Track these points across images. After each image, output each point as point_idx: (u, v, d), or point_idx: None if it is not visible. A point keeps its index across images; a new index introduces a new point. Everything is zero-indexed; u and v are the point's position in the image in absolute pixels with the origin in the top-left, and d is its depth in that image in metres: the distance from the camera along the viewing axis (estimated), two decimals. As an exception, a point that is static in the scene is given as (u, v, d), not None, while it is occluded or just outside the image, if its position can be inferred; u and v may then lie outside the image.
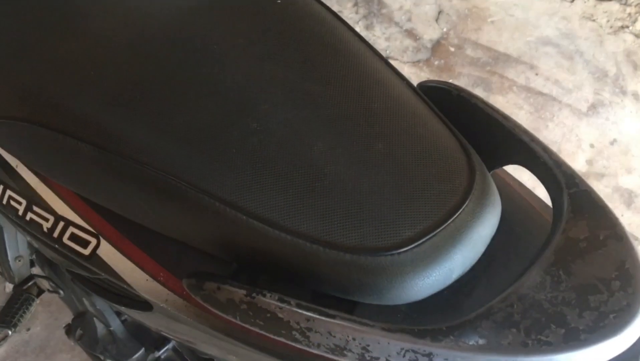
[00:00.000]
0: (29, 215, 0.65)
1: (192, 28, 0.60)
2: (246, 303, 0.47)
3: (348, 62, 0.58)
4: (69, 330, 0.93)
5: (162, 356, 0.88)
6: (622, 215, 1.54)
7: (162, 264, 0.57)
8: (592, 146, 1.62)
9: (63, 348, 1.04)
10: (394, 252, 0.46)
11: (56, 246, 0.64)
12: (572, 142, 1.62)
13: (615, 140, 1.64)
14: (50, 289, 0.92)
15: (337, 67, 0.57)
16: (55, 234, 0.64)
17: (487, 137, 0.56)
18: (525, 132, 0.53)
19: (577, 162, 1.59)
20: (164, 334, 0.72)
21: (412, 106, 0.55)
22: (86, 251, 0.62)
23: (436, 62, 1.73)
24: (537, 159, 0.51)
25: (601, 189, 1.56)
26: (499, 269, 0.51)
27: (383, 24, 1.79)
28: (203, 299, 0.50)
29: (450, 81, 1.71)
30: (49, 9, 0.62)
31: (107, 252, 0.60)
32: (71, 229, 0.62)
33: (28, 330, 1.27)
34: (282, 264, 0.50)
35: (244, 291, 0.47)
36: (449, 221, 0.47)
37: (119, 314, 0.87)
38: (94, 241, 0.61)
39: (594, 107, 1.68)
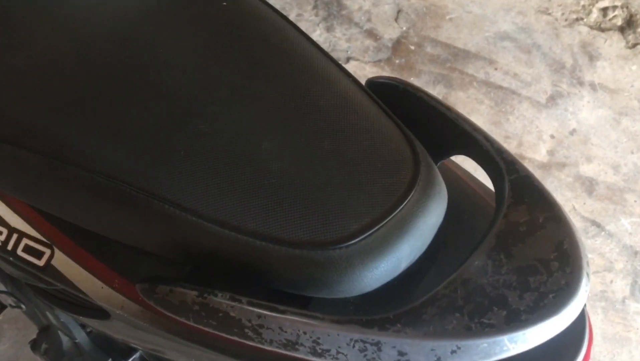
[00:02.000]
0: (-18, 229, 0.64)
1: (138, 33, 0.60)
2: (198, 303, 0.47)
3: (294, 61, 0.59)
4: (35, 345, 0.91)
5: (129, 366, 0.87)
6: (584, 203, 1.57)
7: (116, 270, 0.57)
8: (552, 136, 1.65)
9: (33, 364, 1.03)
10: (342, 245, 0.47)
11: (11, 258, 0.63)
12: (533, 134, 1.65)
13: (574, 130, 1.67)
14: (13, 304, 0.90)
15: (283, 66, 0.58)
16: (10, 247, 0.63)
17: (432, 129, 0.57)
18: (468, 122, 0.54)
19: (539, 153, 1.62)
20: (127, 342, 0.72)
21: (358, 101, 0.56)
22: (41, 262, 0.62)
23: (397, 61, 1.75)
24: (480, 148, 0.52)
25: (562, 178, 1.59)
26: (447, 256, 0.52)
27: (343, 25, 1.81)
28: (156, 303, 0.51)
29: (412, 79, 1.73)
30: None
31: (62, 262, 0.60)
32: (25, 241, 0.62)
33: (-5, 348, 1.25)
34: (234, 264, 0.50)
35: (195, 292, 0.47)
36: (395, 212, 0.48)
37: (83, 326, 0.87)
38: (47, 252, 0.61)
39: (552, 99, 1.71)
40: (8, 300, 0.93)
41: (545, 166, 1.60)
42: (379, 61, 1.75)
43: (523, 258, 0.44)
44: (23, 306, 0.89)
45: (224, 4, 0.63)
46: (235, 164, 0.51)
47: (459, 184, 0.59)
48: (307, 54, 0.59)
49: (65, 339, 0.88)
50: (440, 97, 1.70)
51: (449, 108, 0.55)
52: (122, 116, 0.55)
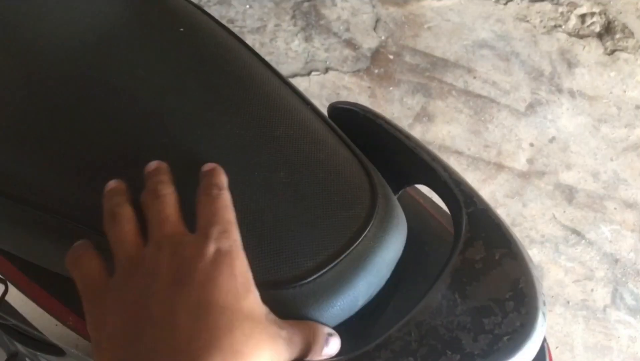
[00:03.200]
0: None
1: (90, 61, 0.59)
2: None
3: (251, 89, 0.57)
4: (2, 373, 0.90)
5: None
6: (564, 211, 1.57)
7: (70, 307, 0.55)
8: (531, 145, 1.65)
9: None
10: (297, 284, 0.45)
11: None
12: (512, 142, 1.65)
13: (554, 138, 1.67)
14: (-22, 332, 0.88)
15: (240, 95, 0.56)
16: (-38, 283, 0.61)
17: (392, 158, 0.56)
18: (427, 151, 0.53)
19: (518, 162, 1.62)
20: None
21: (316, 131, 0.55)
22: (-5, 298, 0.60)
23: (376, 71, 1.74)
24: (438, 178, 0.51)
25: (542, 187, 1.59)
26: (406, 292, 0.51)
27: (322, 35, 1.80)
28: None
29: (391, 88, 1.73)
30: None
31: (16, 298, 0.58)
32: (-24, 277, 0.60)
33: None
34: None
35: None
36: (350, 248, 0.47)
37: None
38: (1, 287, 0.59)
39: (531, 107, 1.71)
40: (-27, 328, 0.91)
41: (524, 175, 1.60)
42: (358, 70, 1.75)
43: (478, 298, 0.43)
44: (-12, 334, 0.87)
45: (181, 30, 0.61)
46: (186, 200, 0.49)
47: (420, 213, 0.58)
48: (265, 81, 0.58)
49: (32, 367, 0.86)
50: (419, 106, 1.70)
51: (407, 137, 0.54)
52: (67, 149, 0.53)
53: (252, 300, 0.41)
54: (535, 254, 1.50)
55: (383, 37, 1.80)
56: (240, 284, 0.40)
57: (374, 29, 1.82)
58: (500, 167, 1.61)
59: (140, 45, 0.60)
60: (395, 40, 1.80)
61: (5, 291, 0.59)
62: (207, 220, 0.43)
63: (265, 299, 0.45)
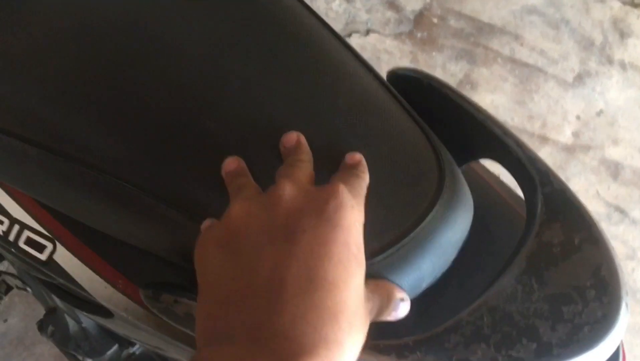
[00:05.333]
0: (-17, 218, 0.62)
1: (146, 18, 0.56)
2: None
3: (314, 54, 0.54)
4: (41, 327, 0.90)
5: (137, 352, 0.85)
6: (608, 188, 1.52)
7: (120, 271, 0.54)
8: (578, 117, 1.60)
9: (42, 339, 1.02)
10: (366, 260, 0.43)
11: (12, 250, 0.61)
12: (558, 115, 1.59)
13: (601, 111, 1.61)
14: (19, 286, 0.89)
15: (302, 60, 0.54)
16: (11, 238, 0.61)
17: (458, 129, 0.53)
18: (498, 125, 0.50)
19: (563, 135, 1.57)
20: (130, 339, 0.70)
21: (379, 101, 0.52)
22: (43, 256, 0.59)
23: (419, 35, 1.69)
24: (510, 154, 0.48)
25: (587, 161, 1.54)
26: (473, 274, 0.49)
27: (364, -5, 1.74)
28: (160, 312, 0.48)
29: (434, 53, 1.67)
30: None
31: (64, 258, 0.57)
32: (27, 233, 0.59)
33: (5, 321, 1.25)
34: None
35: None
36: (417, 229, 0.44)
37: (90, 311, 0.85)
38: (50, 246, 0.58)
39: (580, 78, 1.65)
40: (15, 282, 0.92)
41: (569, 149, 1.55)
42: (400, 34, 1.69)
43: (556, 285, 0.40)
44: (29, 289, 0.87)
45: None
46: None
47: (485, 191, 0.55)
48: (328, 47, 0.55)
49: (71, 323, 0.87)
50: (462, 73, 1.65)
51: (477, 108, 0.51)
52: (126, 110, 0.51)
53: (361, 277, 0.37)
54: (576, 231, 1.47)
55: (427, 0, 1.74)
56: (353, 256, 0.36)
57: (419, -10, 1.76)
58: (544, 139, 1.56)
59: (197, 4, 0.57)
60: (440, 3, 1.74)
61: (54, 250, 0.58)
62: (337, 178, 0.41)
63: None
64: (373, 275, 0.42)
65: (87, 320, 0.85)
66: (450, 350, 0.39)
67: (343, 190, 0.38)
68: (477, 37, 1.69)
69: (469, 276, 0.48)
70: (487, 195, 0.54)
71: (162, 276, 0.51)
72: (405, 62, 1.66)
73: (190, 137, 0.49)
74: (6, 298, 0.94)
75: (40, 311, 0.92)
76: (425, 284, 0.44)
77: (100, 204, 0.51)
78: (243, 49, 0.54)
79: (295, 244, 0.35)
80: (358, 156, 0.45)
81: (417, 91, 0.55)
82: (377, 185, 0.46)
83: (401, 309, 0.41)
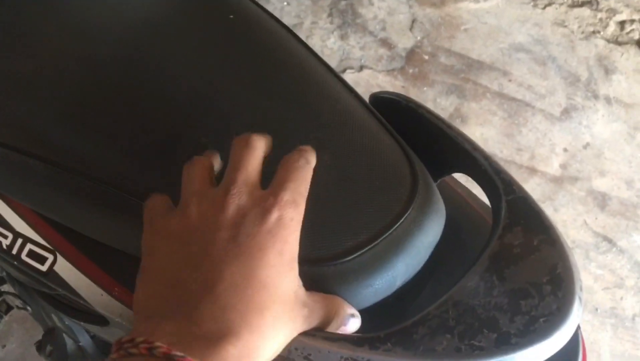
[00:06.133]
0: (-12, 234, 0.65)
1: (145, 43, 0.61)
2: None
3: (298, 76, 0.59)
4: (40, 347, 0.92)
5: (132, 370, 0.87)
6: (596, 218, 1.55)
7: (116, 279, 0.58)
8: (565, 150, 1.64)
9: (39, 364, 1.04)
10: (337, 262, 0.47)
11: (15, 263, 0.64)
12: (546, 147, 1.64)
13: (588, 144, 1.66)
14: (20, 305, 0.91)
15: (287, 81, 0.58)
16: (14, 251, 0.64)
17: (433, 146, 0.57)
18: (468, 140, 0.54)
19: (551, 167, 1.61)
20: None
21: (359, 118, 0.56)
22: (44, 268, 0.62)
23: (410, 70, 1.75)
24: (479, 167, 0.52)
25: (575, 192, 1.58)
26: (443, 274, 0.52)
27: (357, 33, 1.81)
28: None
29: (425, 89, 1.73)
30: (0, 28, 0.63)
31: (64, 268, 0.61)
32: (29, 246, 0.63)
33: (4, 346, 1.27)
34: None
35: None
36: (391, 230, 0.48)
37: (87, 330, 0.87)
38: (51, 258, 0.62)
39: (567, 112, 1.70)
40: (15, 302, 0.94)
41: (557, 180, 1.59)
42: (393, 70, 1.76)
43: (515, 281, 0.44)
44: (29, 308, 0.90)
45: (231, 17, 0.63)
46: None
47: (457, 202, 0.59)
48: (312, 70, 0.60)
49: (69, 342, 0.89)
50: (452, 107, 1.70)
51: (449, 126, 0.55)
52: (126, 126, 0.55)
53: (290, 279, 0.42)
54: (564, 259, 1.49)
55: (419, 38, 1.81)
56: (285, 262, 0.42)
57: (410, 29, 1.83)
58: (532, 171, 1.60)
59: (192, 30, 0.62)
60: (431, 40, 1.80)
61: (55, 261, 0.61)
62: (282, 183, 0.43)
63: (305, 275, 0.47)
64: (348, 273, 0.46)
65: (85, 339, 0.88)
66: (418, 340, 0.42)
67: (285, 202, 0.42)
68: (466, 73, 1.75)
69: (439, 276, 0.52)
70: (458, 205, 0.58)
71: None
72: (397, 97, 1.71)
73: (186, 153, 0.53)
74: (5, 321, 0.97)
75: (38, 337, 0.95)
76: (398, 283, 0.48)
77: (99, 215, 0.55)
78: (234, 74, 0.59)
79: (238, 246, 0.40)
80: (304, 147, 0.48)
81: (396, 112, 0.60)
82: (355, 190, 0.50)
83: (351, 324, 0.45)
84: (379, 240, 0.47)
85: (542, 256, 0.45)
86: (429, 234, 0.50)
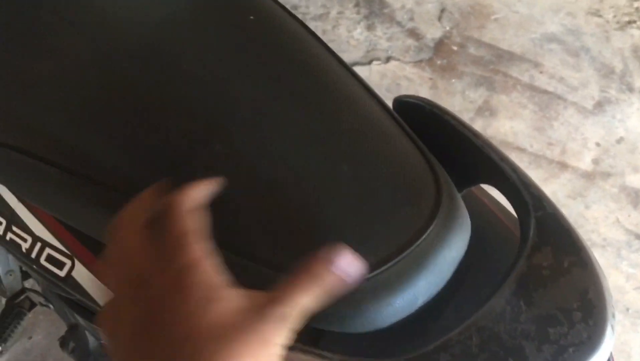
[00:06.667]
0: (9, 235, 0.65)
1: (162, 44, 0.60)
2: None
3: (319, 80, 0.57)
4: (63, 343, 0.93)
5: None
6: (629, 215, 1.51)
7: None
8: (598, 144, 1.59)
9: (64, 357, 1.05)
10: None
11: (34, 266, 0.64)
12: (578, 141, 1.60)
13: (622, 138, 1.61)
14: (43, 303, 0.92)
15: (308, 86, 0.56)
16: (33, 255, 0.64)
17: (459, 155, 0.55)
18: (495, 151, 0.52)
19: (583, 162, 1.57)
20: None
21: (382, 125, 0.54)
22: (62, 273, 0.62)
23: (439, 62, 1.71)
24: (506, 179, 0.50)
25: (607, 188, 1.54)
26: (467, 293, 0.50)
27: (385, 24, 1.78)
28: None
29: (453, 80, 1.69)
30: (17, 29, 0.62)
31: (81, 274, 0.60)
32: (47, 251, 0.63)
33: (30, 338, 1.28)
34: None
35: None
36: (413, 246, 0.46)
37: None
38: (69, 263, 0.61)
39: (600, 105, 1.65)
40: (39, 299, 0.95)
41: (589, 175, 1.55)
42: (420, 61, 1.72)
43: (544, 306, 0.41)
44: (51, 306, 0.90)
45: (251, 17, 0.61)
46: (246, 189, 0.49)
47: (484, 213, 0.56)
48: (333, 73, 0.58)
49: (91, 339, 0.89)
50: (481, 100, 1.66)
51: (476, 135, 0.53)
52: (142, 132, 0.54)
53: (218, 308, 0.35)
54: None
55: (447, 28, 1.77)
56: (200, 300, 0.36)
57: (439, 19, 1.79)
58: (563, 166, 1.56)
59: (210, 30, 0.61)
60: (460, 31, 1.76)
61: (72, 267, 0.61)
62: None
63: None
64: (367, 291, 0.44)
65: (105, 337, 0.88)
66: (440, 367, 0.40)
67: (170, 259, 0.38)
68: (496, 64, 1.70)
69: (463, 295, 0.50)
70: (485, 217, 0.56)
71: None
72: (425, 89, 1.68)
73: (199, 160, 0.52)
74: (30, 315, 0.98)
75: (63, 329, 0.95)
76: (420, 301, 0.46)
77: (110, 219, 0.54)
78: (252, 75, 0.57)
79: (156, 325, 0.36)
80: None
81: (420, 118, 0.57)
82: (375, 204, 0.48)
83: (344, 261, 0.37)
84: (400, 257, 0.45)
85: (572, 280, 0.42)
86: (453, 250, 0.48)
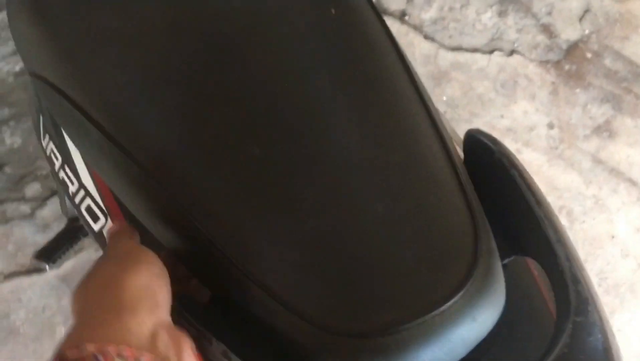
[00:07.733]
0: (61, 173, 0.66)
1: (240, 40, 0.55)
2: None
3: (383, 100, 0.52)
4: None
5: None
6: None
7: None
8: None
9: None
10: (357, 338, 0.41)
11: (75, 210, 0.65)
12: (701, 188, 1.42)
13: None
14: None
15: (369, 104, 0.51)
16: (77, 200, 0.65)
17: (515, 218, 0.48)
18: (555, 228, 0.45)
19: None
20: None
21: (435, 165, 0.48)
22: (95, 227, 0.62)
23: (567, 67, 1.57)
24: (556, 266, 0.43)
25: None
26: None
27: (519, 13, 1.64)
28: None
29: (577, 90, 1.55)
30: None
31: (110, 234, 0.60)
32: (88, 201, 0.63)
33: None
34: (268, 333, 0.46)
35: (194, 331, 0.45)
36: (423, 317, 0.41)
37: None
38: (103, 220, 0.62)
39: None
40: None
41: (703, 229, 1.38)
42: (547, 61, 1.58)
43: None
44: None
45: (333, 11, 0.56)
46: (276, 212, 0.46)
47: (528, 286, 0.50)
48: (402, 94, 0.52)
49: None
50: (603, 118, 1.51)
51: (539, 202, 0.46)
52: (186, 115, 0.52)
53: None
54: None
55: (587, 31, 1.61)
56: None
57: (580, 19, 1.62)
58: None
59: (286, 20, 0.56)
60: (600, 37, 1.59)
61: (104, 225, 0.61)
62: None
63: (317, 340, 0.42)
64: (366, 353, 0.40)
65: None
66: None
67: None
68: (630, 82, 1.53)
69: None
70: (529, 292, 0.49)
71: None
72: (544, 93, 1.55)
73: (235, 161, 0.49)
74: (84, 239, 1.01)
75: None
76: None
77: (143, 198, 0.53)
78: (315, 77, 0.53)
79: None
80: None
81: (487, 162, 0.51)
82: (398, 258, 0.44)
83: None
84: (404, 326, 0.41)
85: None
86: (473, 331, 0.42)
